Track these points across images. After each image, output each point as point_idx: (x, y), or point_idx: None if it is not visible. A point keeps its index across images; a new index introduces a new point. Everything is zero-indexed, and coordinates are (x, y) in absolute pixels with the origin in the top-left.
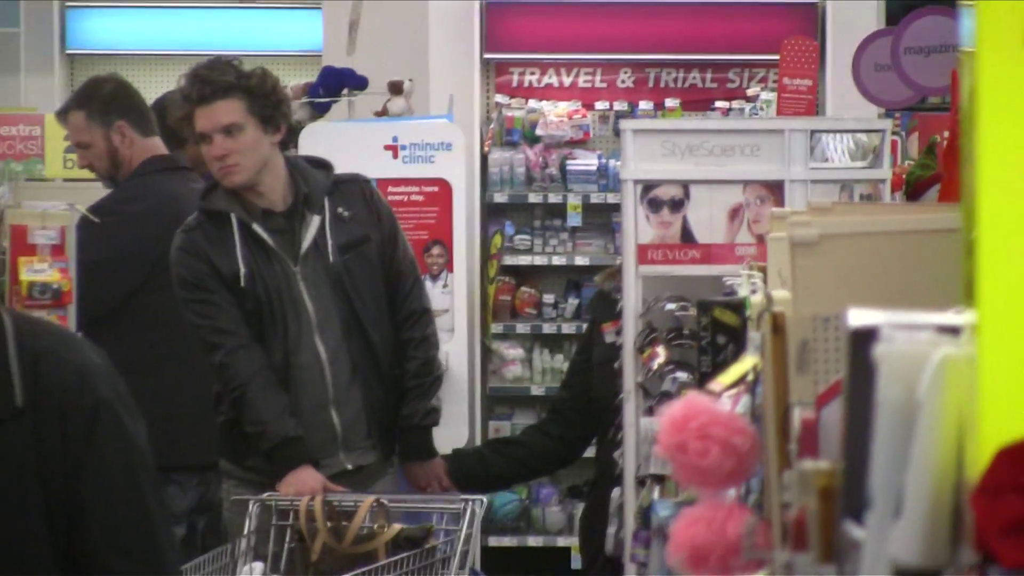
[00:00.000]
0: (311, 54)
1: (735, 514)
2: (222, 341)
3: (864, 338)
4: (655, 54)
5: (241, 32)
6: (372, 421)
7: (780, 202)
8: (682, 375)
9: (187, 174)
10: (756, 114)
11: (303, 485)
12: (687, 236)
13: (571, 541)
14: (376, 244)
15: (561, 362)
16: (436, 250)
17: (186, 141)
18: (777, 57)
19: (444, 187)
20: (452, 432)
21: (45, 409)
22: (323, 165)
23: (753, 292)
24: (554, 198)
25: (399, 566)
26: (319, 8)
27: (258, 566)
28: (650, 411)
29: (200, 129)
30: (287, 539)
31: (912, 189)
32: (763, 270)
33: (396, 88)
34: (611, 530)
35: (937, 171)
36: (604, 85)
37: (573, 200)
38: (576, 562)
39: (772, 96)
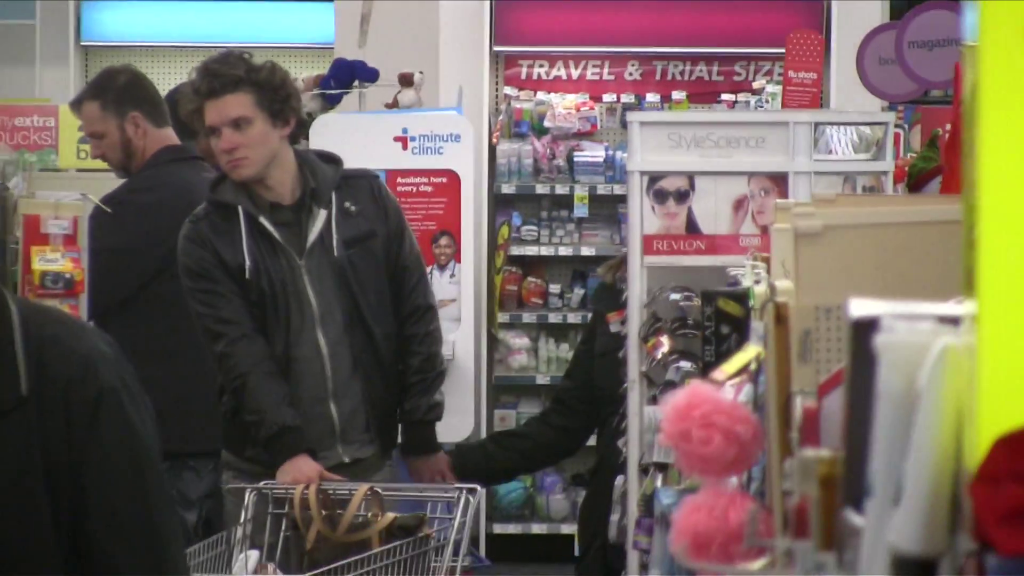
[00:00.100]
0: (323, 47)
1: (737, 502)
2: (224, 331)
3: (865, 328)
4: (662, 47)
5: (254, 25)
6: (371, 415)
7: (784, 193)
8: (686, 364)
9: (200, 164)
10: (761, 106)
11: (300, 473)
12: (692, 227)
13: (575, 529)
14: (382, 239)
15: (566, 351)
16: (444, 240)
17: (197, 133)
18: (783, 50)
19: (453, 178)
20: (458, 420)
21: (50, 398)
22: (333, 159)
23: (757, 282)
24: (561, 189)
25: (393, 554)
26: (331, 2)
27: (253, 554)
28: (654, 400)
29: (209, 122)
30: (283, 528)
31: (914, 181)
32: (767, 261)
33: (406, 80)
34: (614, 517)
35: (939, 164)
36: (612, 78)
37: (580, 191)
38: None
39: (777, 89)
